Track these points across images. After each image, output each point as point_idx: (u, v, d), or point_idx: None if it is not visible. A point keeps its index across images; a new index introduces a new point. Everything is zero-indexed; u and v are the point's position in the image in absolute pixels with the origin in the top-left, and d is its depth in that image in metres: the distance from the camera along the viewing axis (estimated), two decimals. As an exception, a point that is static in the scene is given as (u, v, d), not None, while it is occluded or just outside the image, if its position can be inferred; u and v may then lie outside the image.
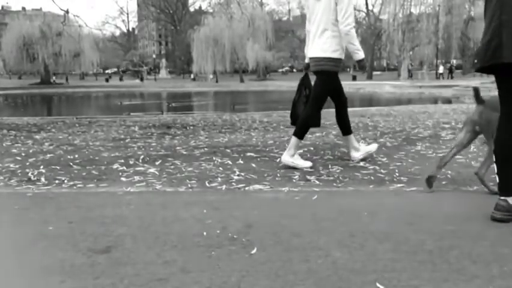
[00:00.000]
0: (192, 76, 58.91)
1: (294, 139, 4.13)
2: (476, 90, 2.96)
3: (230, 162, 4.30)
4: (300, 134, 4.14)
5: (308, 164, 4.08)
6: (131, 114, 13.61)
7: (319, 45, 4.08)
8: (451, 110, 10.95)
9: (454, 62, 53.41)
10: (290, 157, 4.08)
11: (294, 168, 4.01)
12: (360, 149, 4.31)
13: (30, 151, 5.20)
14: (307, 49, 4.30)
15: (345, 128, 4.31)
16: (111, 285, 1.82)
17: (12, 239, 2.43)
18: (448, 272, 1.88)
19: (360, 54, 4.01)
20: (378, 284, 1.78)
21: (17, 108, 22.77)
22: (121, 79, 66.60)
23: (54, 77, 56.56)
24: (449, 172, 3.77)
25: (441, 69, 47.05)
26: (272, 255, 2.08)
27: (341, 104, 4.29)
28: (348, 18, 3.92)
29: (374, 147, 4.36)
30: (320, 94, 4.18)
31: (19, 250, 2.25)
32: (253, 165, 4.18)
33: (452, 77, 44.98)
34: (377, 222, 2.53)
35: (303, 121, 4.17)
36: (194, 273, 1.91)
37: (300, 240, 2.26)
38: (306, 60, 4.37)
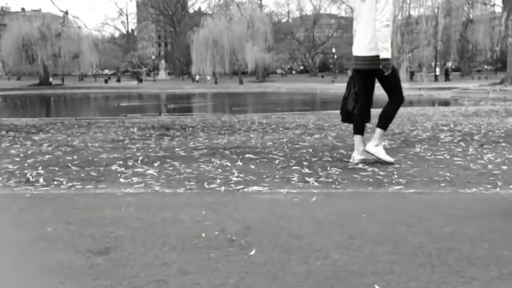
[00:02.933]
0: (197, 78, 58.28)
1: (378, 131, 4.29)
2: None
3: (229, 164, 4.30)
4: (385, 126, 4.33)
5: (391, 159, 4.21)
6: (129, 115, 13.60)
7: (365, 45, 4.21)
8: (450, 112, 10.96)
9: (450, 64, 53.40)
10: (374, 147, 4.24)
11: (293, 170, 4.02)
12: (363, 155, 4.34)
13: (29, 152, 5.19)
14: (354, 48, 4.41)
15: (360, 127, 4.39)
16: (110, 287, 1.82)
17: (11, 240, 2.43)
18: (447, 274, 1.88)
19: (386, 54, 4.09)
20: (377, 286, 1.78)
21: (15, 109, 22.76)
22: (118, 80, 66.56)
23: (51, 79, 56.52)
24: (448, 174, 3.78)
25: (437, 71, 47.11)
26: (271, 257, 2.09)
27: (367, 102, 4.42)
28: (383, 16, 4.06)
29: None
30: (396, 82, 4.31)
31: (18, 251, 2.25)
32: (252, 166, 4.18)
33: (449, 79, 45.04)
34: (375, 224, 2.53)
35: (387, 113, 4.33)
36: (193, 274, 1.91)
37: (298, 242, 2.26)
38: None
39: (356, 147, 4.37)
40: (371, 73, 4.28)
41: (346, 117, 4.49)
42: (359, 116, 4.37)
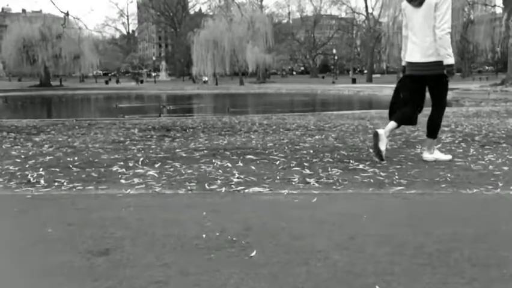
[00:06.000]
0: (204, 79, 57.70)
1: (429, 140, 4.48)
2: None
3: (229, 165, 4.30)
4: (435, 135, 4.49)
5: (448, 157, 4.46)
6: (128, 116, 13.59)
7: (423, 51, 4.27)
8: (451, 113, 10.96)
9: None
10: (430, 154, 4.44)
11: (294, 171, 4.02)
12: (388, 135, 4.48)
13: (30, 153, 5.20)
14: (405, 54, 4.53)
15: (389, 130, 4.50)
16: (110, 288, 1.82)
17: (12, 241, 2.43)
18: (447, 275, 1.88)
19: (450, 60, 4.17)
20: (377, 287, 1.78)
21: (16, 111, 22.79)
22: (117, 81, 66.52)
23: (49, 80, 56.51)
24: (449, 175, 3.77)
25: None
26: (271, 258, 2.08)
27: (418, 106, 4.58)
28: (444, 24, 4.13)
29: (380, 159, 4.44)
30: (446, 88, 4.43)
31: (18, 252, 2.25)
32: (253, 167, 4.18)
33: None
34: (376, 225, 2.53)
35: (435, 123, 4.49)
36: (193, 276, 1.91)
37: (299, 243, 2.26)
38: (403, 64, 4.65)
39: (387, 128, 4.44)
40: (424, 78, 4.37)
41: (405, 121, 4.64)
42: (408, 111, 4.52)
